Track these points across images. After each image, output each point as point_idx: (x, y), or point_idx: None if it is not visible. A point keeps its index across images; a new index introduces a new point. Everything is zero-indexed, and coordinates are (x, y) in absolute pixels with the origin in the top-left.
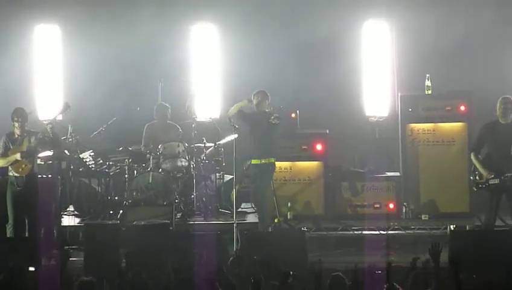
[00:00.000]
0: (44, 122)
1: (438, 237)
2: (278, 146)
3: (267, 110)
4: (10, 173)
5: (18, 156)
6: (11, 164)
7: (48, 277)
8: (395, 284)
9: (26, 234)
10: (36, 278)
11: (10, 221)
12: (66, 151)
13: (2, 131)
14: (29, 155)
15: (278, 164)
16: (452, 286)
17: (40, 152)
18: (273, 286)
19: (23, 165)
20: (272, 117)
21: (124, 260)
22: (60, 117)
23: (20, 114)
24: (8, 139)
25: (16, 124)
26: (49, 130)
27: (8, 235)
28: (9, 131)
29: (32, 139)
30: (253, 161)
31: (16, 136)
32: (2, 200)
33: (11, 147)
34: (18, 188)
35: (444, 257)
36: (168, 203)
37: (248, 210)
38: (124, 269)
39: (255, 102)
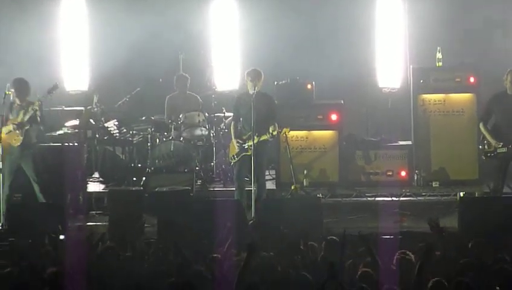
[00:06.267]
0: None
1: (447, 203)
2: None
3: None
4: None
5: (11, 126)
6: (6, 133)
7: (75, 240)
8: (407, 252)
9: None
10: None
11: (6, 187)
12: (91, 121)
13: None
14: (21, 127)
15: (294, 132)
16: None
17: (31, 125)
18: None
19: (15, 136)
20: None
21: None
22: (68, 90)
23: (14, 85)
24: (9, 108)
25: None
26: (37, 107)
27: (3, 200)
28: (12, 100)
29: (30, 109)
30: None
31: (16, 105)
32: None
33: (11, 116)
34: (12, 157)
35: (454, 222)
36: (188, 171)
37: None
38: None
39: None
